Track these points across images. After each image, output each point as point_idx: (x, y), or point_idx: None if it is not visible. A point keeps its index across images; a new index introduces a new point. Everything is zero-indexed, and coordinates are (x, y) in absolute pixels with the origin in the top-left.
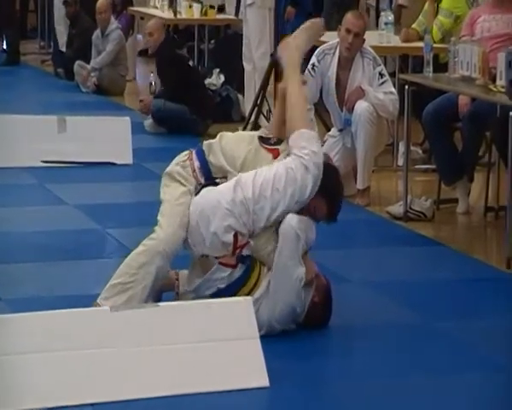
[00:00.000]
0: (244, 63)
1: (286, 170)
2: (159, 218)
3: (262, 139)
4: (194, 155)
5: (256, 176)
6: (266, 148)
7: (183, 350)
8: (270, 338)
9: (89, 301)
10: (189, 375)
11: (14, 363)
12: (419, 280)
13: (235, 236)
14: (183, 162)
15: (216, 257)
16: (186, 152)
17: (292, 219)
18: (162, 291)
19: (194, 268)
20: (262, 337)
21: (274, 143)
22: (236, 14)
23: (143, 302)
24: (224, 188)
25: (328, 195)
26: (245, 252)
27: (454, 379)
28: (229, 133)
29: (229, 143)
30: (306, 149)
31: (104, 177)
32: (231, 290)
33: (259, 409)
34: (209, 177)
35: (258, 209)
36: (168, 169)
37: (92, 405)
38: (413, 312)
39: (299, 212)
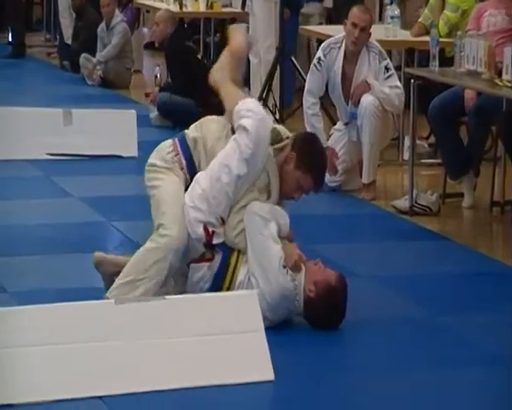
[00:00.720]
0: (250, 56)
1: (231, 143)
2: (162, 214)
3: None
4: (179, 151)
5: (211, 163)
6: None
7: (188, 343)
8: (275, 331)
9: (93, 293)
10: (194, 368)
11: (20, 356)
12: (424, 274)
13: (205, 228)
14: (168, 155)
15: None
16: (169, 143)
17: (253, 206)
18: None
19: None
20: (267, 330)
21: None
22: (243, 7)
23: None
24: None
25: (311, 168)
26: (215, 241)
27: (459, 373)
28: (211, 125)
29: (210, 140)
30: (242, 112)
31: (109, 169)
32: (217, 285)
33: (264, 402)
34: (194, 173)
35: (216, 192)
36: (152, 161)
37: (100, 397)
38: (418, 306)
39: (285, 192)
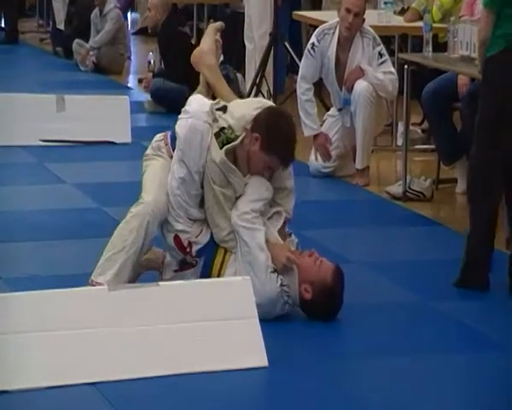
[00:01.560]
0: (246, 42)
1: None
2: (143, 190)
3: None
4: (169, 143)
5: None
6: None
7: (181, 329)
8: (269, 318)
9: (86, 280)
10: (187, 354)
11: (14, 342)
12: (418, 260)
13: (175, 237)
14: (156, 142)
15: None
16: (161, 134)
17: (237, 214)
18: (148, 268)
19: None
20: (260, 319)
21: None
22: None
23: (136, 266)
24: None
25: (276, 148)
26: (195, 249)
27: (452, 358)
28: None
29: None
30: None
31: (103, 156)
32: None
33: (258, 389)
34: None
35: (173, 201)
36: (146, 152)
37: (93, 384)
38: (412, 291)
39: (254, 172)
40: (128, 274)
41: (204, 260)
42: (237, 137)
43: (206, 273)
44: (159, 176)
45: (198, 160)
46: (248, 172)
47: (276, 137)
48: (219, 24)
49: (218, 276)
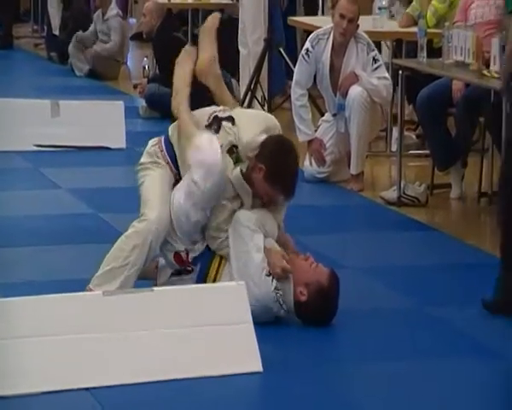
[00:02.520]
0: (240, 48)
1: (186, 189)
2: (144, 203)
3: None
4: (163, 148)
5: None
6: None
7: (176, 335)
8: (264, 323)
9: (82, 285)
10: (182, 359)
11: (10, 347)
12: (412, 265)
13: (176, 255)
14: (152, 148)
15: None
16: (155, 140)
17: (240, 217)
18: (142, 278)
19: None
20: (255, 322)
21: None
22: None
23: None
24: None
25: (279, 182)
26: (191, 256)
27: (447, 364)
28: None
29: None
30: (194, 161)
31: (97, 161)
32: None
33: (252, 394)
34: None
35: (179, 231)
36: (140, 160)
37: (88, 389)
38: (406, 297)
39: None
40: (132, 281)
41: (200, 266)
42: (241, 160)
43: (201, 279)
44: (159, 189)
45: (214, 202)
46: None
47: (280, 172)
48: (215, 15)
49: (214, 282)
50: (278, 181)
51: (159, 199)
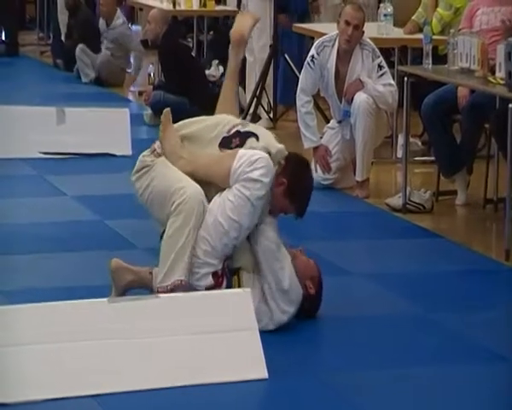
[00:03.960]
0: (246, 54)
1: (240, 197)
2: (172, 194)
3: (223, 143)
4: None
5: (214, 213)
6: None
7: (181, 342)
8: (269, 330)
9: (88, 292)
10: (187, 366)
11: (13, 354)
12: (418, 272)
13: (214, 274)
14: (146, 154)
15: None
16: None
17: (264, 233)
18: (138, 287)
19: None
20: (260, 329)
21: (235, 147)
22: (238, 5)
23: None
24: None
25: (298, 200)
26: (227, 271)
27: (453, 371)
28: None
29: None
30: (244, 167)
31: (103, 168)
32: None
33: (258, 401)
34: None
35: (224, 245)
36: (134, 171)
37: (93, 396)
38: (412, 303)
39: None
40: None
41: (226, 280)
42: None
43: None
44: (177, 173)
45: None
46: None
47: (300, 190)
48: (257, 18)
49: None
50: (297, 198)
51: (186, 178)
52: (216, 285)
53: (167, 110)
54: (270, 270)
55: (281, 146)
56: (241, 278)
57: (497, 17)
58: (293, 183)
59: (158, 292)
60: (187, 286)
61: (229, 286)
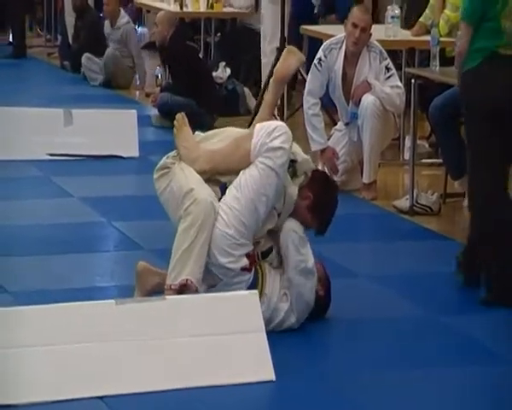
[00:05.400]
0: (262, 57)
1: (265, 170)
2: (185, 194)
3: None
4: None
5: (241, 190)
6: None
7: (188, 343)
8: (276, 332)
9: (94, 293)
10: (194, 368)
11: (19, 356)
12: (425, 274)
13: (248, 255)
14: (169, 157)
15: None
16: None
17: (290, 224)
18: (152, 293)
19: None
20: (267, 331)
21: None
22: (256, 7)
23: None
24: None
25: (321, 216)
26: (259, 254)
27: (459, 373)
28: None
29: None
30: (265, 138)
31: (110, 170)
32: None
33: (265, 403)
34: None
35: (254, 223)
36: (155, 172)
37: (100, 397)
38: (419, 305)
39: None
40: (204, 260)
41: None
42: (297, 176)
43: (254, 283)
44: (195, 176)
45: (280, 197)
46: None
47: (324, 207)
48: (302, 61)
49: (262, 283)
50: (320, 214)
51: (200, 183)
52: (250, 266)
53: (181, 114)
54: (290, 259)
55: (307, 157)
56: (264, 270)
57: None
58: (318, 200)
59: (165, 293)
60: (194, 287)
61: (255, 272)
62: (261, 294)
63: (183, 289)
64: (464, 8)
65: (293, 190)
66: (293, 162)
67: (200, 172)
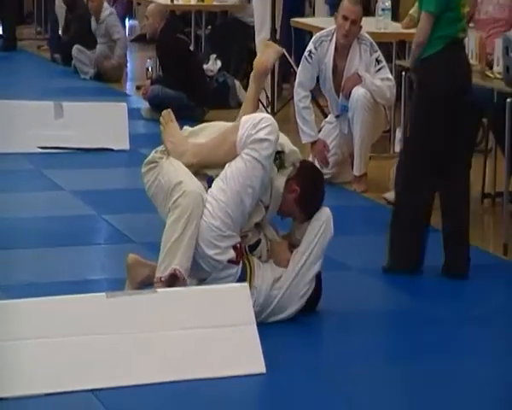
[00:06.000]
0: (257, 50)
1: (251, 161)
2: (173, 187)
3: None
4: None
5: (227, 182)
6: None
7: (179, 336)
8: (267, 324)
9: (85, 286)
10: (185, 361)
11: (12, 349)
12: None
13: (235, 247)
14: (157, 151)
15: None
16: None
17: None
18: (143, 285)
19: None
20: (258, 323)
21: None
22: (249, 0)
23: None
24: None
25: (308, 209)
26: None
27: (453, 365)
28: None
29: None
30: (250, 130)
31: (101, 163)
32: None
33: (256, 395)
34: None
35: (240, 214)
36: (143, 167)
37: (91, 390)
38: (410, 298)
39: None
40: (193, 251)
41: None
42: (285, 167)
43: (243, 276)
44: (183, 169)
45: (264, 191)
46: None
47: (311, 200)
48: (281, 52)
49: (251, 276)
50: (307, 207)
51: (188, 175)
52: (237, 259)
53: (167, 111)
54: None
55: (295, 148)
56: (253, 263)
57: (495, 9)
58: (305, 192)
59: (155, 285)
60: (182, 276)
61: (243, 265)
62: (250, 287)
63: (173, 279)
64: (428, 0)
65: (281, 182)
66: (280, 154)
67: (188, 166)
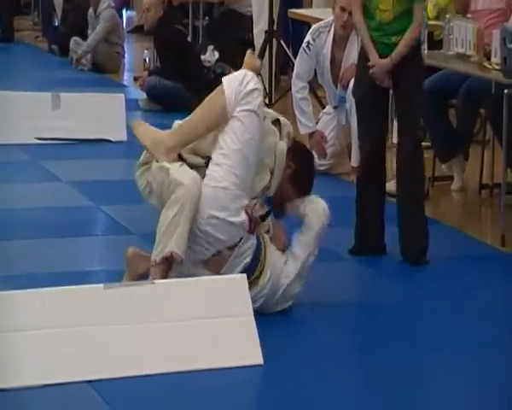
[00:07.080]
0: (255, 40)
1: (250, 117)
2: (169, 182)
3: None
4: None
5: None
6: None
7: (177, 327)
8: (264, 315)
9: (82, 277)
10: (183, 352)
11: (9, 340)
12: None
13: (246, 212)
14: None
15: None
16: None
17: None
18: (142, 278)
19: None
20: (255, 314)
21: None
22: None
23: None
24: (210, 176)
25: (300, 188)
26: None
27: (450, 355)
28: None
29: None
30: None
31: (98, 153)
32: (255, 261)
33: (253, 386)
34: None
35: (247, 171)
36: (141, 159)
37: (89, 381)
38: (408, 289)
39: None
40: (187, 234)
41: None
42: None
43: (259, 248)
44: (179, 164)
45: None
46: None
47: (304, 177)
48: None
49: (265, 250)
50: (300, 184)
51: (180, 170)
52: (250, 226)
53: (136, 122)
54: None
55: (287, 121)
56: (266, 240)
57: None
58: (299, 169)
59: (150, 269)
60: (180, 258)
61: (257, 239)
62: (264, 264)
63: (169, 261)
64: None
65: (283, 145)
66: (279, 120)
67: (171, 150)
